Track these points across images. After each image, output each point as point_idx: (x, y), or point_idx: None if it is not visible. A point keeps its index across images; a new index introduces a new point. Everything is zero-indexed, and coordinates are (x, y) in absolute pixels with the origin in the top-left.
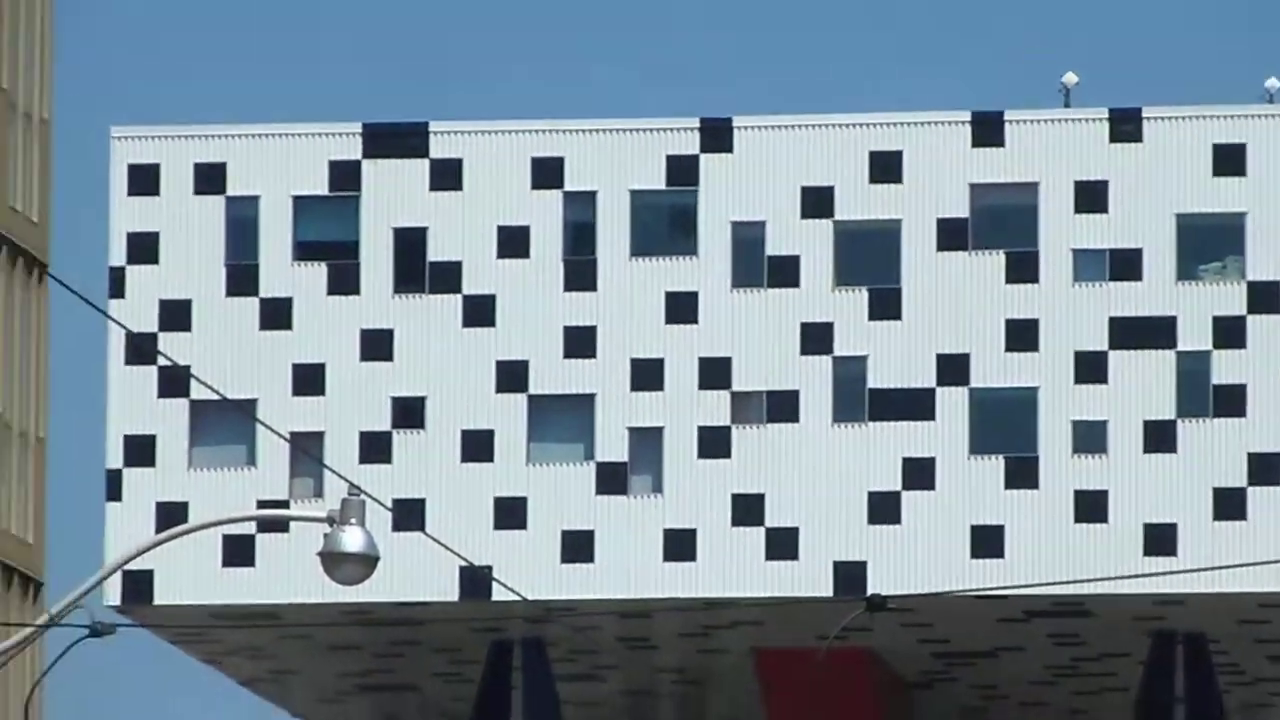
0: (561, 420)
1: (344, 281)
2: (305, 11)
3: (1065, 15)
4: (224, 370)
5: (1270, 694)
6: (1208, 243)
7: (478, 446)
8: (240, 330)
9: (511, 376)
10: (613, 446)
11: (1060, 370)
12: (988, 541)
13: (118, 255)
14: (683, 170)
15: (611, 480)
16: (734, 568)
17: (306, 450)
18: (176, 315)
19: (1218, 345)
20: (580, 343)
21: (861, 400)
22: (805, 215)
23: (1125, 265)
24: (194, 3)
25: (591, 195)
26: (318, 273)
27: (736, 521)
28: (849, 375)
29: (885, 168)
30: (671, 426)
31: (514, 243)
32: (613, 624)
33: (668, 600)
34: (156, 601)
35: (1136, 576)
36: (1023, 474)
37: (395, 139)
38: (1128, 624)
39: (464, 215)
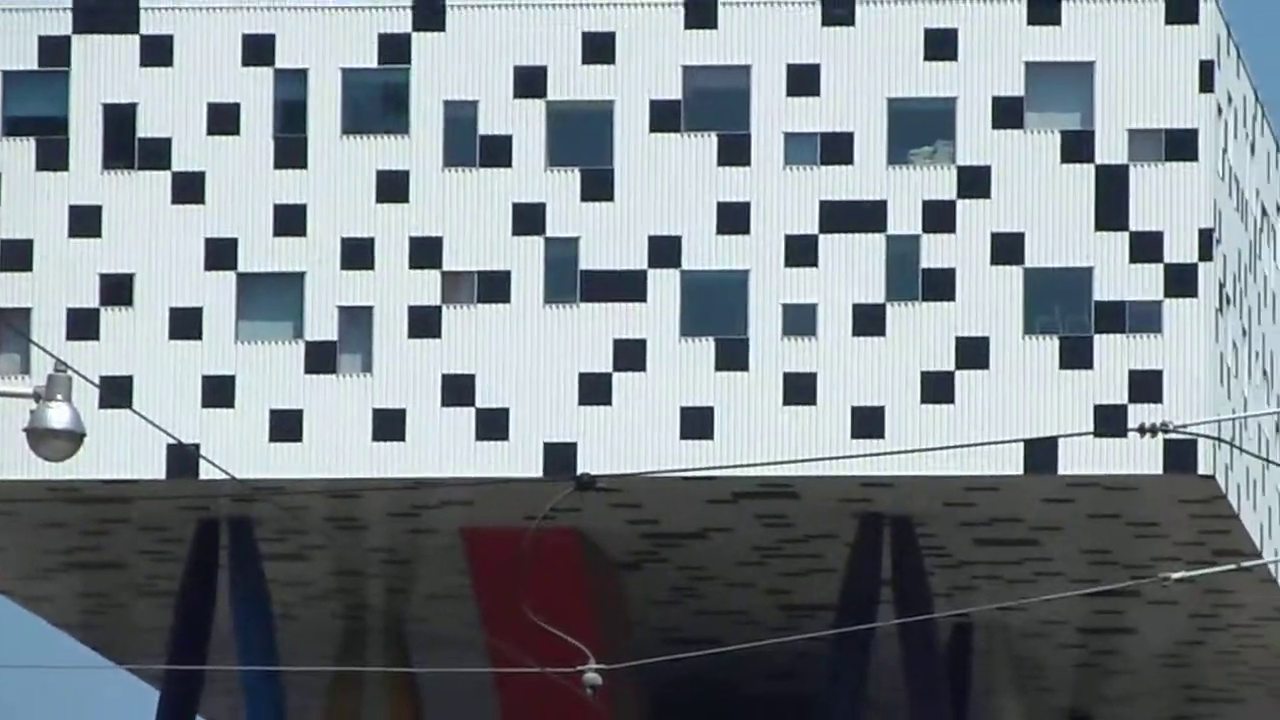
0: (270, 299)
1: (52, 157)
2: None
3: None
4: None
5: (975, 577)
6: (918, 127)
7: (186, 324)
8: None
9: (220, 254)
10: (322, 325)
11: (771, 253)
12: (697, 423)
13: None
14: (395, 49)
15: (321, 359)
16: (444, 448)
17: (13, 325)
18: None
19: (927, 229)
20: (290, 221)
21: (573, 281)
22: (518, 95)
23: (836, 149)
24: None
25: (303, 73)
26: (26, 148)
27: (447, 401)
28: (560, 256)
29: (598, 49)
30: (381, 306)
31: (224, 120)
32: (322, 504)
33: (377, 480)
34: None
35: (844, 458)
36: (733, 356)
37: (106, 15)
38: (835, 506)
39: (174, 92)
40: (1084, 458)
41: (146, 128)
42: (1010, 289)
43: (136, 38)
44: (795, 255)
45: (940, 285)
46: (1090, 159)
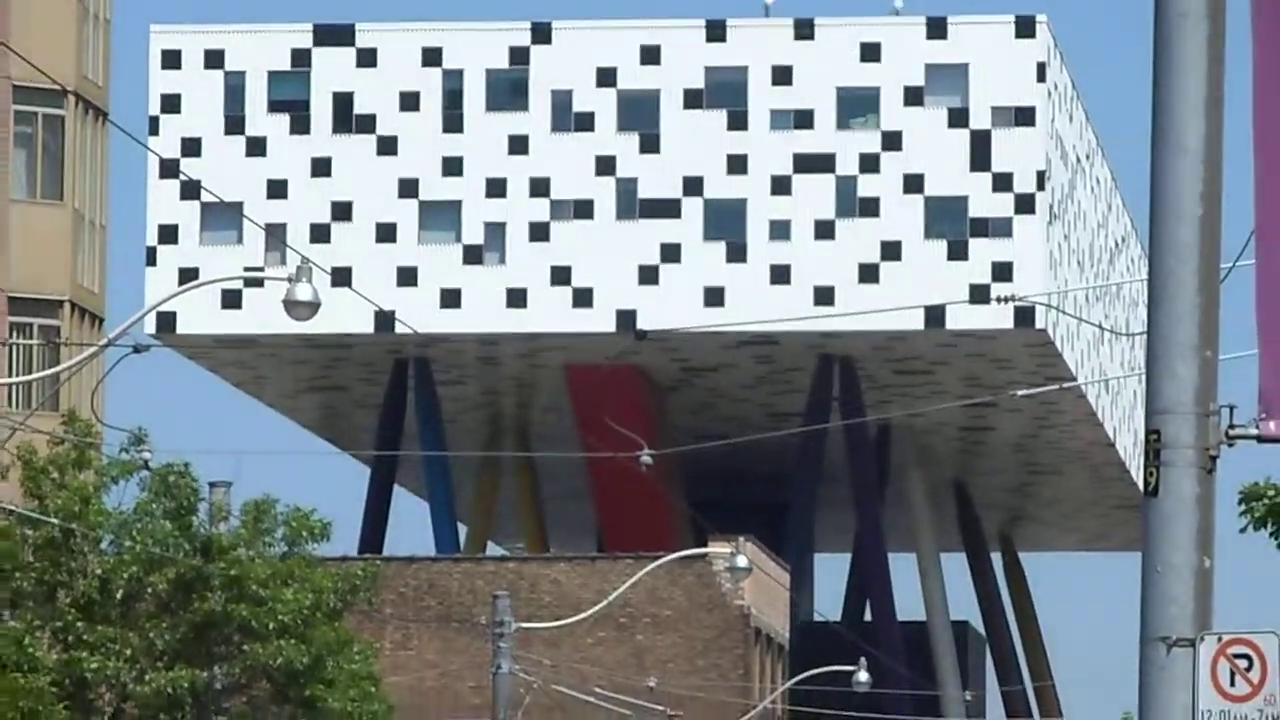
0: (440, 216)
1: (299, 126)
2: None
3: None
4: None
5: (892, 395)
6: (857, 106)
7: (385, 233)
8: None
9: (406, 188)
10: (473, 233)
11: (761, 187)
12: (714, 296)
13: (154, 108)
14: (519, 55)
15: (472, 255)
16: (551, 313)
17: (275, 234)
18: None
19: (862, 171)
20: (452, 167)
21: (634, 205)
22: (598, 85)
23: (803, 119)
24: None
25: (460, 71)
26: (282, 120)
27: (554, 283)
28: (626, 189)
29: (649, 54)
30: (511, 221)
31: (410, 101)
32: (474, 348)
33: (509, 334)
34: (178, 331)
35: (808, 318)
36: (737, 253)
37: (333, 33)
38: (803, 351)
39: (378, 84)
40: (963, 318)
41: (360, 107)
42: (915, 210)
43: (353, 49)
44: (777, 188)
45: (870, 207)
46: (966, 125)
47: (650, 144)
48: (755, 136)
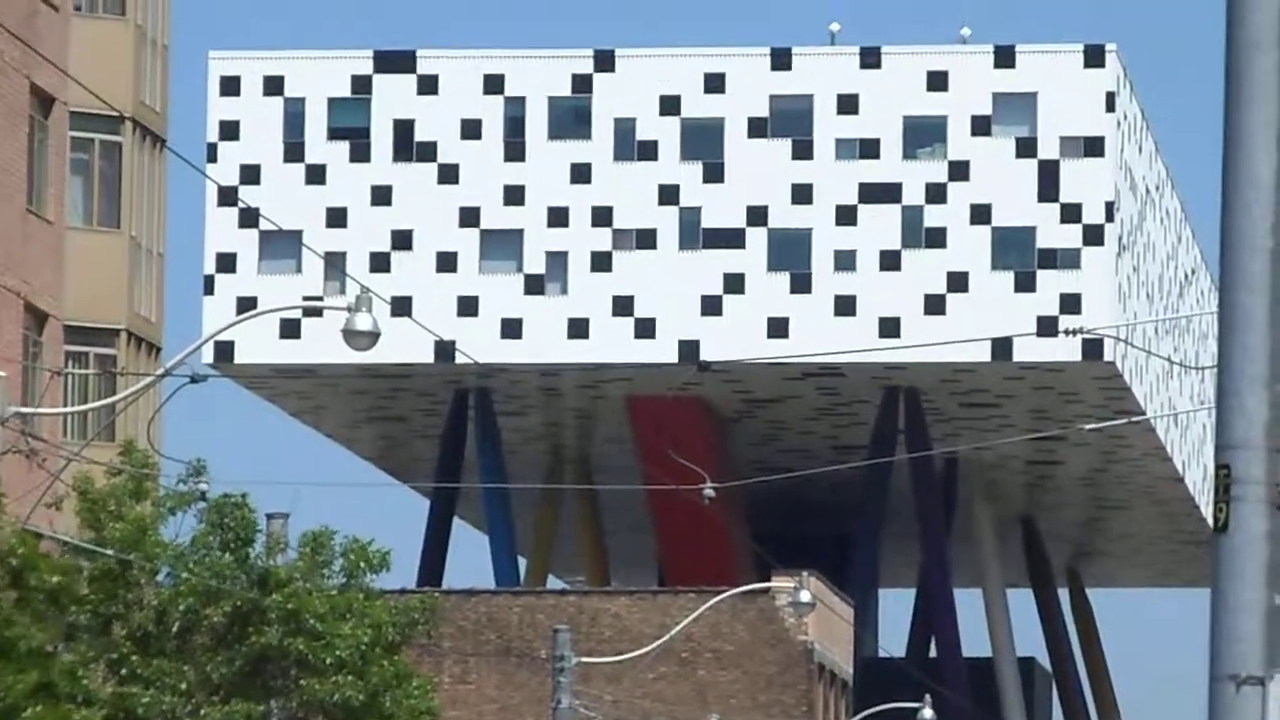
0: (501, 246)
1: (359, 153)
2: None
3: None
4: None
5: (959, 429)
6: (923, 135)
7: (446, 263)
8: None
9: (467, 217)
10: (535, 263)
11: (826, 217)
12: (778, 327)
13: (212, 134)
14: (582, 83)
15: (534, 285)
16: (613, 343)
17: (335, 264)
18: (246, 175)
19: (929, 201)
20: (514, 195)
21: (697, 234)
22: (662, 114)
23: (868, 149)
24: None
25: (522, 99)
26: (342, 148)
27: (616, 313)
28: (689, 220)
29: (713, 83)
30: (573, 250)
31: (471, 130)
32: (535, 379)
33: (571, 364)
34: (236, 361)
35: (874, 350)
36: (801, 284)
37: (394, 60)
38: (868, 382)
39: (439, 111)
40: (1030, 350)
41: (421, 134)
42: (982, 240)
43: (414, 75)
44: (842, 218)
45: (936, 237)
46: (1035, 155)
47: (714, 173)
48: (820, 165)
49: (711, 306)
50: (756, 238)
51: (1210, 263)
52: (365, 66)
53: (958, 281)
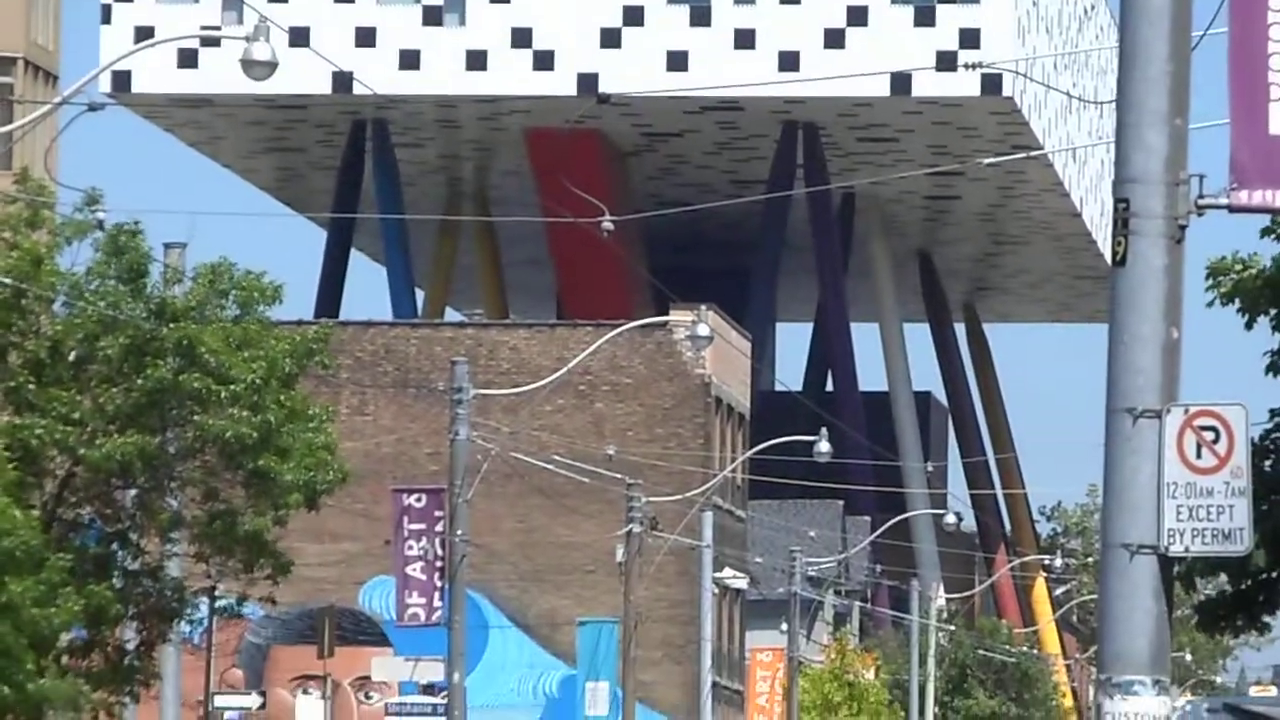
0: None
1: None
2: None
3: None
4: None
5: (857, 163)
6: None
7: None
8: None
9: None
10: None
11: None
12: (677, 60)
13: None
14: None
15: (432, 16)
16: (512, 75)
17: None
18: None
19: None
20: None
21: None
22: None
23: None
24: None
25: None
26: None
27: (514, 45)
28: None
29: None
30: None
31: None
32: (432, 111)
33: (468, 95)
34: (134, 90)
35: (772, 83)
36: (701, 17)
37: None
38: (767, 116)
39: None
40: (929, 85)
41: None
42: None
43: None
44: None
45: None
46: None
47: None
48: None
49: (611, 39)
50: None
51: None
52: None
53: (857, 15)
